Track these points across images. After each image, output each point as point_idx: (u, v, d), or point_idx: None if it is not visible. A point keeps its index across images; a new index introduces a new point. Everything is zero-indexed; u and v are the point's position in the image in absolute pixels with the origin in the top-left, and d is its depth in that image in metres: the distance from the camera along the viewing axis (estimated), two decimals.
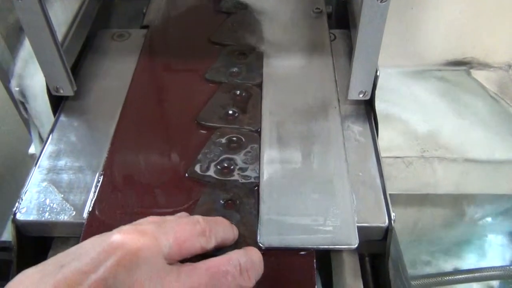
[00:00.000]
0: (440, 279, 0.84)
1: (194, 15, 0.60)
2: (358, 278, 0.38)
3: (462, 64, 0.81)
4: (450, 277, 0.85)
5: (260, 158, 0.42)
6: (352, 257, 0.39)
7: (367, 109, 0.47)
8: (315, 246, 0.36)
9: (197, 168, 0.42)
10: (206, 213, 0.37)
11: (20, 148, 0.79)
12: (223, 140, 0.44)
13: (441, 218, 0.84)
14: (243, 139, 0.44)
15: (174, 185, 0.41)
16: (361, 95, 0.45)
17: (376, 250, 0.42)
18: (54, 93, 0.47)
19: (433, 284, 0.84)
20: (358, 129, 0.45)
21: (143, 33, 0.57)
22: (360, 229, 0.37)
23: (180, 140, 0.45)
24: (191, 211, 0.38)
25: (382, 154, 0.44)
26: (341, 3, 0.61)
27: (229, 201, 0.39)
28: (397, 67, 0.81)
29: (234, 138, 0.44)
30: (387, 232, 0.38)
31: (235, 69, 0.51)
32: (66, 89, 0.47)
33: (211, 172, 0.41)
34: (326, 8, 0.59)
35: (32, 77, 0.67)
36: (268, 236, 0.36)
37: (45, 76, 0.46)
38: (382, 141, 0.48)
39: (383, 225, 0.38)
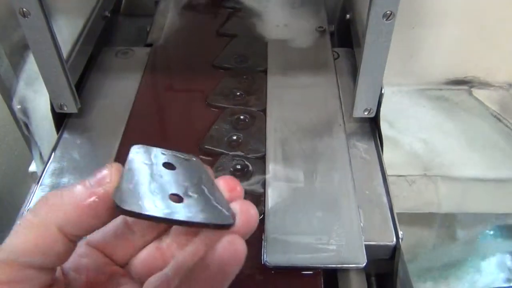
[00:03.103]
0: None
1: (197, 33, 0.60)
2: None
3: (463, 83, 0.81)
4: None
5: (266, 175, 0.42)
6: (359, 277, 0.39)
7: (372, 127, 0.47)
8: (322, 265, 0.35)
9: (209, 141, 0.45)
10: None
11: (19, 166, 0.78)
12: (232, 117, 0.48)
13: (442, 237, 0.83)
14: (250, 117, 0.48)
15: None
16: (366, 113, 0.45)
17: (383, 269, 0.41)
18: (58, 110, 0.47)
19: None
20: (363, 147, 0.45)
21: (147, 51, 0.57)
22: (368, 248, 0.36)
23: (191, 118, 0.49)
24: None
25: None
26: (343, 22, 0.61)
27: (238, 169, 0.42)
28: (398, 86, 0.81)
29: (242, 117, 0.48)
30: (395, 250, 0.38)
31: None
32: (70, 106, 0.47)
33: (221, 145, 0.45)
34: (329, 27, 0.60)
35: (35, 96, 0.67)
36: (274, 255, 0.36)
37: (49, 93, 0.46)
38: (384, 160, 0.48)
39: (390, 243, 0.37)
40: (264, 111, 0.48)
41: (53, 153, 0.46)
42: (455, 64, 0.80)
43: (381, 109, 0.46)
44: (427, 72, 0.81)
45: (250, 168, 0.43)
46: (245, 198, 0.39)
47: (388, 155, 0.70)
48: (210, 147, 0.45)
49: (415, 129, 0.75)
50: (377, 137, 0.46)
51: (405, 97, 0.81)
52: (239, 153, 0.44)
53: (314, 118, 0.47)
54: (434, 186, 0.70)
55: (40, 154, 0.70)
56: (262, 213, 0.39)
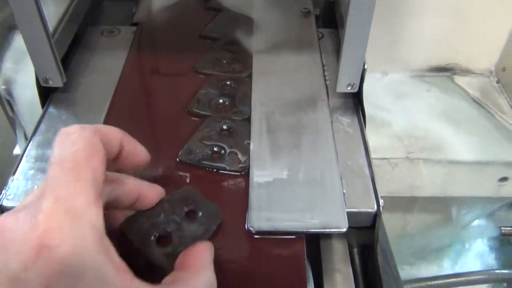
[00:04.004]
0: (424, 283, 0.84)
1: (183, 10, 0.61)
2: (347, 264, 0.39)
3: (446, 70, 0.83)
4: (434, 282, 0.85)
5: (250, 145, 0.42)
6: (341, 244, 0.40)
7: (355, 102, 0.48)
8: (305, 230, 0.36)
9: (195, 104, 0.46)
10: (203, 139, 0.43)
11: (3, 153, 0.78)
12: (219, 83, 0.49)
13: (425, 221, 0.85)
14: (236, 82, 0.49)
15: (173, 121, 0.46)
16: (349, 88, 0.46)
17: (365, 240, 0.42)
18: (43, 84, 0.47)
19: None
20: (346, 121, 0.46)
21: (132, 30, 0.57)
22: (349, 215, 0.37)
23: (178, 89, 0.50)
24: (188, 138, 0.43)
25: None
26: (328, 5, 0.62)
27: (225, 130, 0.44)
28: (382, 73, 0.83)
29: (228, 82, 0.49)
30: (376, 218, 0.39)
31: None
32: (56, 80, 0.47)
33: (208, 108, 0.46)
34: (314, 10, 0.60)
35: (20, 76, 0.66)
36: (258, 221, 0.36)
37: (35, 66, 0.46)
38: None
39: (371, 210, 0.38)
40: (249, 77, 0.50)
41: (38, 127, 0.46)
42: (438, 52, 0.82)
43: (366, 94, 0.47)
44: (411, 59, 0.82)
45: (236, 128, 0.44)
46: (230, 159, 0.40)
47: (371, 138, 0.72)
48: (197, 110, 0.46)
49: (399, 114, 0.76)
50: (360, 112, 0.47)
51: (389, 83, 0.82)
52: (225, 115, 0.45)
53: (299, 93, 0.48)
54: (416, 169, 0.72)
55: (25, 135, 0.70)
56: (247, 168, 0.40)
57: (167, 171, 0.40)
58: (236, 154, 0.41)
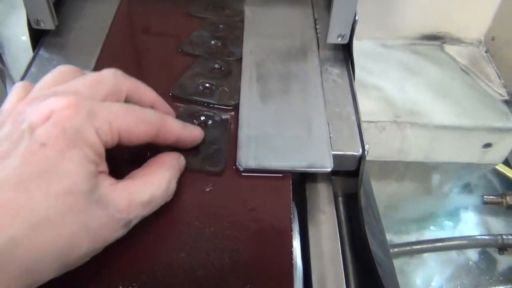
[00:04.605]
0: (408, 248, 0.87)
1: None
2: (331, 206, 0.40)
3: (436, 39, 0.84)
4: (417, 246, 0.87)
5: (240, 90, 0.43)
6: (326, 187, 0.41)
7: (345, 55, 0.49)
8: (291, 169, 0.37)
9: (188, 45, 0.47)
10: (195, 76, 0.44)
11: None
12: (212, 26, 0.50)
13: (409, 188, 0.86)
14: (228, 27, 0.50)
15: (166, 60, 0.46)
16: (339, 39, 0.46)
17: (350, 189, 0.43)
18: (34, 26, 0.47)
19: (398, 254, 0.87)
20: (335, 72, 0.47)
21: None
22: (335, 157, 0.38)
23: (171, 31, 0.50)
24: (181, 76, 0.44)
25: None
26: None
27: (216, 68, 0.45)
28: (373, 39, 0.83)
29: (221, 26, 0.50)
30: (360, 161, 0.39)
31: None
32: (47, 22, 0.47)
33: (201, 49, 0.47)
34: None
35: (9, 26, 0.66)
36: (246, 159, 0.37)
37: (26, 7, 0.46)
38: None
39: (356, 153, 0.39)
40: (242, 21, 0.51)
41: (29, 69, 0.46)
42: (429, 20, 0.82)
43: (358, 59, 0.48)
44: (402, 27, 0.83)
45: (227, 68, 0.45)
46: (220, 94, 0.42)
47: (360, 103, 0.72)
48: (190, 51, 0.47)
49: (388, 80, 0.77)
50: (349, 64, 0.48)
51: (381, 50, 0.83)
52: (217, 55, 0.46)
53: (289, 44, 0.48)
54: (403, 133, 0.73)
55: None
56: (236, 105, 0.42)
57: None
58: (226, 91, 0.42)
